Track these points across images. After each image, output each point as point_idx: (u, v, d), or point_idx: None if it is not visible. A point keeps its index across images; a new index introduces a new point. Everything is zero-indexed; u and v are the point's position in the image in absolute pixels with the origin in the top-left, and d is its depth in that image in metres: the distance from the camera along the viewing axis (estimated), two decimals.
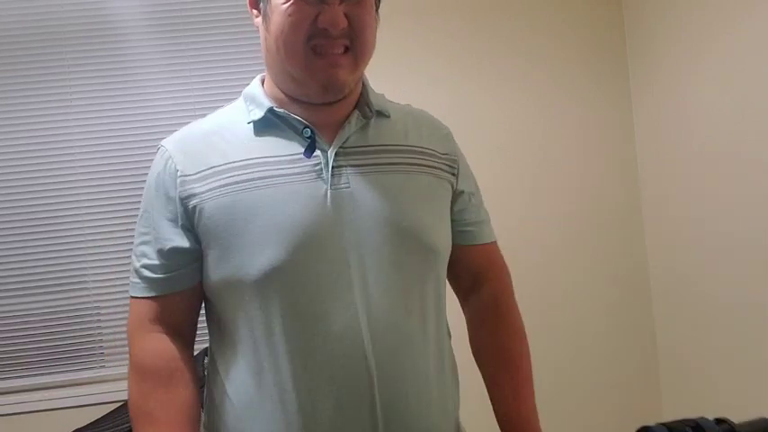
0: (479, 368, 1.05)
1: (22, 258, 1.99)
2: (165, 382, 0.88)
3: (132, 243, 0.95)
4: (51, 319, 1.99)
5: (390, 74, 2.05)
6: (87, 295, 2.00)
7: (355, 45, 0.86)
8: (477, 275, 1.06)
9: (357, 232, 0.85)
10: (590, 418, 2.08)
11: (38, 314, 1.98)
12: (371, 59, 0.91)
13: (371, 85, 0.98)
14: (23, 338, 1.98)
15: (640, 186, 2.12)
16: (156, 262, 0.89)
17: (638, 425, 0.74)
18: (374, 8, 0.89)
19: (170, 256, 0.89)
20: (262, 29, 0.91)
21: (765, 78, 1.52)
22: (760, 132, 1.55)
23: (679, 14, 1.83)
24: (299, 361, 0.84)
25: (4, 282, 1.98)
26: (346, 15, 0.84)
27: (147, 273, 0.90)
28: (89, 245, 2.00)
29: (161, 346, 0.90)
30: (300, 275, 0.83)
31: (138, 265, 0.91)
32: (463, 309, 1.09)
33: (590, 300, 2.10)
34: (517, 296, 1.09)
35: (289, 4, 0.83)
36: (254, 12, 0.92)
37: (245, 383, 0.87)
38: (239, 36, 2.05)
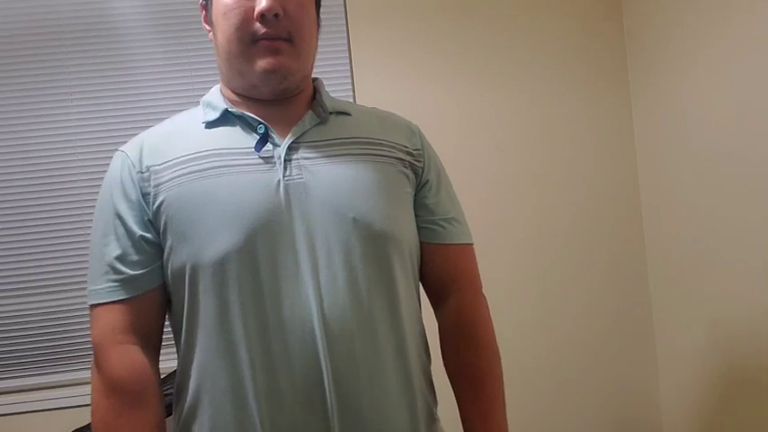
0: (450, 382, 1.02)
1: (22, 258, 1.99)
2: (138, 399, 0.87)
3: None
4: (50, 319, 1.98)
5: (388, 73, 2.06)
6: (86, 295, 1.99)
7: (293, 36, 0.90)
8: (443, 283, 1.02)
9: (308, 221, 0.87)
10: (589, 418, 2.08)
11: (37, 314, 1.98)
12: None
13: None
14: (22, 338, 1.98)
15: (640, 186, 2.12)
16: (133, 257, 0.90)
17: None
18: (313, 7, 0.96)
19: (142, 249, 0.90)
20: (213, 38, 0.97)
21: (764, 77, 1.52)
22: (759, 131, 1.55)
23: (679, 14, 1.83)
24: (257, 343, 0.84)
25: (4, 281, 1.98)
26: (284, 9, 0.88)
27: (122, 267, 0.89)
28: (89, 245, 1.99)
29: (134, 359, 0.88)
30: (253, 260, 0.85)
31: (106, 266, 0.90)
32: (435, 317, 1.05)
33: (589, 298, 2.10)
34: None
35: (228, 3, 0.89)
36: (207, 27, 0.99)
37: (204, 371, 0.87)
38: None
